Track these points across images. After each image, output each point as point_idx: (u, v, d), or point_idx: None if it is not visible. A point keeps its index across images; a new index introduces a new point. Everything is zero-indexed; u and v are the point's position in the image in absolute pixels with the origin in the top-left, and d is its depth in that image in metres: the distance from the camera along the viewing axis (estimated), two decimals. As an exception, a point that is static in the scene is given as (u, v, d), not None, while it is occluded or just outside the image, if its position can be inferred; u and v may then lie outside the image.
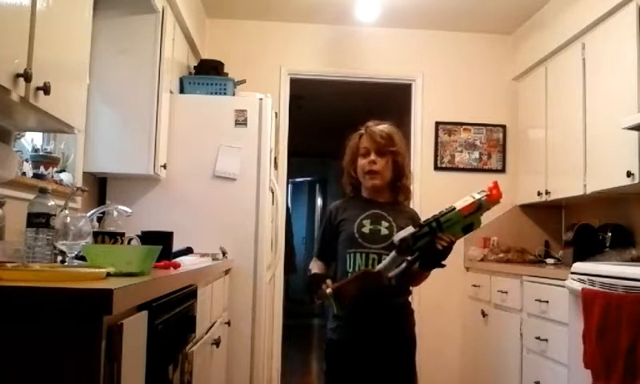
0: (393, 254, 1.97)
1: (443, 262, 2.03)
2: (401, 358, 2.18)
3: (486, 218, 4.89)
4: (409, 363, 2.21)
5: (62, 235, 1.80)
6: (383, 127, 2.25)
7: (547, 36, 4.08)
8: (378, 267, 2.01)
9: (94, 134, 3.09)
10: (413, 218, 2.22)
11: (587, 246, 3.64)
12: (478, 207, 1.97)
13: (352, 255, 2.15)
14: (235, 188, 3.49)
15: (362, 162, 2.22)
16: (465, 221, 1.98)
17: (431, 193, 4.59)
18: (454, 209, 1.96)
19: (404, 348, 2.20)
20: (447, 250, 1.97)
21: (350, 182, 2.30)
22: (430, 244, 1.95)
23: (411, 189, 2.31)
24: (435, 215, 1.97)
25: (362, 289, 1.98)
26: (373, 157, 2.19)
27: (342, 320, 2.16)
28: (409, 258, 1.96)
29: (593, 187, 3.45)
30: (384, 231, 2.16)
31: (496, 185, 1.99)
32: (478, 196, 1.98)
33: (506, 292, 3.79)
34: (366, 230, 2.16)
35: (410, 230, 1.95)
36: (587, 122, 3.55)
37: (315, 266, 2.27)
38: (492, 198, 1.98)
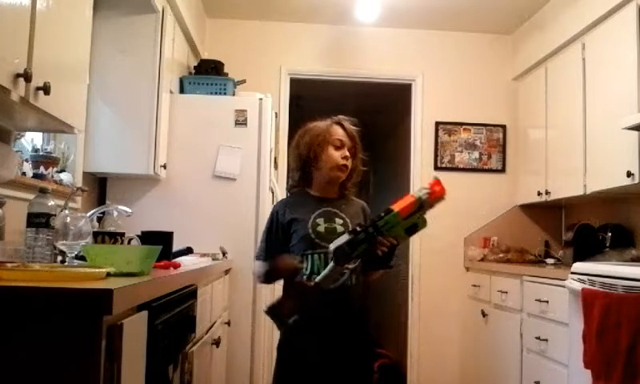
0: (331, 264, 1.90)
1: (390, 264, 2.02)
2: (359, 361, 2.13)
3: (487, 217, 4.92)
4: (367, 365, 2.18)
5: (62, 235, 1.80)
6: (354, 126, 2.21)
7: (547, 36, 4.08)
8: (317, 279, 1.93)
9: (94, 134, 3.09)
10: (364, 210, 2.20)
11: (587, 246, 3.64)
12: (419, 207, 1.88)
13: (309, 257, 2.06)
14: (235, 188, 3.48)
15: (335, 153, 2.13)
16: (406, 222, 1.89)
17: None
18: (392, 211, 1.88)
19: (363, 351, 2.16)
20: (389, 253, 1.93)
21: (301, 169, 2.18)
22: (370, 250, 1.89)
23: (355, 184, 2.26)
24: (373, 219, 1.92)
25: (300, 303, 1.94)
26: (347, 153, 2.14)
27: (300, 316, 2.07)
28: (349, 266, 1.92)
29: (593, 187, 3.45)
30: (339, 229, 2.09)
31: (437, 182, 1.91)
32: (418, 194, 1.89)
33: (506, 292, 3.79)
34: (321, 229, 2.08)
35: (344, 237, 1.88)
36: (587, 122, 3.55)
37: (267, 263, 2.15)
38: (434, 196, 1.88)
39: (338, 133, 2.16)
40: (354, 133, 2.19)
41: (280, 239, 2.14)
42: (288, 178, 2.31)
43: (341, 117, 2.21)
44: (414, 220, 1.90)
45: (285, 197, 2.26)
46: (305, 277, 2.04)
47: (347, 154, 2.14)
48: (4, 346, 1.15)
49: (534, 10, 4.25)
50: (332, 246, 1.89)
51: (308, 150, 2.15)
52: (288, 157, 2.23)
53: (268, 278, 2.24)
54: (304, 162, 2.18)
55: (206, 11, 4.47)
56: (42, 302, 1.16)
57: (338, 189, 2.21)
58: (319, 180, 2.19)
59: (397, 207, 1.88)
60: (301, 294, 1.96)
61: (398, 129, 5.80)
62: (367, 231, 1.88)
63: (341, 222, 2.11)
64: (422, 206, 1.88)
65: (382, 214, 1.89)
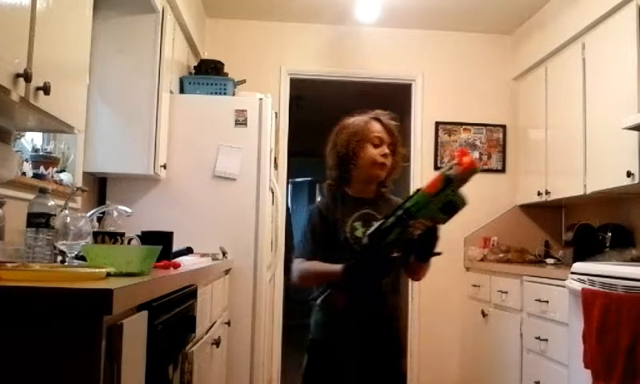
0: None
1: (436, 250, 1.87)
2: (388, 364, 2.07)
3: (487, 217, 4.92)
4: (397, 369, 2.12)
5: (62, 235, 1.80)
6: (392, 120, 2.11)
7: (547, 36, 4.08)
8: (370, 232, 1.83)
9: (94, 134, 3.09)
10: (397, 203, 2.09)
11: (587, 245, 3.64)
12: (447, 181, 1.73)
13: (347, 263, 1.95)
14: (235, 188, 3.48)
15: (373, 151, 2.03)
16: (437, 200, 1.74)
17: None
18: (418, 190, 1.77)
19: (392, 354, 2.10)
20: (430, 236, 1.81)
21: (339, 168, 2.08)
22: (405, 234, 1.77)
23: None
24: (401, 203, 1.81)
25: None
26: (387, 150, 2.04)
27: (330, 318, 2.02)
28: (393, 254, 1.83)
29: (593, 187, 3.45)
30: None
31: (463, 151, 1.75)
32: (444, 169, 1.76)
33: (506, 292, 3.79)
34: (359, 233, 1.99)
35: (375, 224, 1.81)
36: (587, 122, 3.55)
37: (314, 262, 2.01)
38: (463, 168, 1.72)
39: (376, 129, 2.06)
40: (392, 128, 2.08)
41: (323, 239, 2.03)
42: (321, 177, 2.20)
43: (378, 111, 2.11)
44: (448, 197, 1.74)
45: (321, 197, 2.15)
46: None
47: (386, 150, 2.05)
48: (4, 346, 1.15)
49: (534, 10, 4.25)
50: (367, 233, 1.83)
51: (346, 148, 2.05)
52: (325, 155, 2.14)
53: (311, 280, 2.10)
54: (342, 161, 2.06)
55: (206, 11, 4.47)
56: (42, 302, 1.16)
57: (377, 187, 2.12)
58: (358, 179, 2.09)
59: (424, 186, 1.78)
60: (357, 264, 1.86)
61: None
62: (396, 214, 1.78)
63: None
64: (451, 180, 1.73)
65: (410, 196, 1.79)
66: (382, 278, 1.94)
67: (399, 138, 2.11)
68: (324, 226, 2.03)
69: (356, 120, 2.10)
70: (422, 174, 4.60)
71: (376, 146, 2.05)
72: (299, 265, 2.05)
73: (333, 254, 1.99)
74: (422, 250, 1.88)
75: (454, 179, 1.73)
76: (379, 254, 1.83)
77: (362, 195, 2.09)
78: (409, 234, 1.78)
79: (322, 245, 2.02)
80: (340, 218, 2.03)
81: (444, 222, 1.80)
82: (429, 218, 1.77)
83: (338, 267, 1.91)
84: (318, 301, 2.01)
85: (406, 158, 2.16)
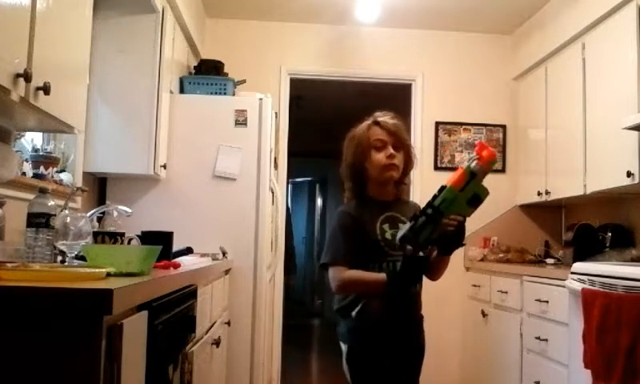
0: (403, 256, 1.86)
1: (463, 242, 1.92)
2: (417, 368, 2.13)
3: (487, 217, 4.91)
4: (419, 373, 2.17)
5: (62, 235, 1.80)
6: (393, 118, 2.12)
7: (547, 36, 4.08)
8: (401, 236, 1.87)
9: (94, 134, 3.09)
10: (417, 209, 2.08)
11: (587, 245, 3.64)
12: (471, 175, 1.80)
13: (379, 266, 1.98)
14: (235, 188, 3.48)
15: (378, 155, 2.05)
16: (464, 194, 1.81)
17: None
18: (445, 187, 1.82)
19: (420, 358, 2.15)
20: (460, 230, 1.85)
21: (353, 178, 2.11)
22: (438, 231, 1.82)
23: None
24: (429, 201, 1.85)
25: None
26: (391, 150, 2.05)
27: (367, 325, 2.02)
28: (423, 253, 1.86)
29: (593, 187, 3.45)
30: None
31: (482, 145, 1.80)
32: (467, 163, 1.82)
33: (506, 292, 3.79)
34: (388, 235, 2.01)
35: (406, 226, 1.84)
36: (587, 122, 3.55)
37: (359, 272, 2.00)
38: (485, 160, 1.79)
39: (376, 133, 2.08)
40: (393, 127, 2.09)
41: (356, 240, 2.02)
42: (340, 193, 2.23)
43: (377, 114, 2.13)
44: (473, 190, 1.81)
45: (345, 204, 2.16)
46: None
47: (391, 151, 2.05)
48: (4, 345, 1.15)
49: (534, 10, 4.25)
50: (397, 238, 1.86)
51: (354, 160, 2.09)
52: (341, 175, 2.19)
53: (353, 289, 2.05)
54: (355, 172, 2.11)
55: (206, 11, 4.47)
56: (42, 302, 1.16)
57: (393, 190, 2.14)
58: (374, 184, 2.11)
59: (449, 182, 1.83)
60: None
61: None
62: (426, 213, 1.82)
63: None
64: (474, 173, 1.80)
65: (437, 193, 1.84)
66: (420, 281, 1.98)
67: (402, 134, 2.12)
68: (355, 228, 2.04)
69: (358, 129, 2.13)
70: (422, 174, 4.60)
71: (379, 150, 2.06)
72: (340, 273, 2.02)
73: (365, 256, 2.00)
74: (449, 243, 1.91)
75: (477, 173, 1.80)
76: (420, 257, 1.87)
77: (382, 198, 2.11)
78: (441, 230, 1.83)
79: (356, 246, 2.01)
80: (368, 219, 2.04)
81: (470, 214, 1.86)
82: (457, 212, 1.83)
83: (381, 276, 1.94)
84: (353, 313, 2.01)
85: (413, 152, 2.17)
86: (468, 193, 1.82)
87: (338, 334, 2.11)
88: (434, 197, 1.84)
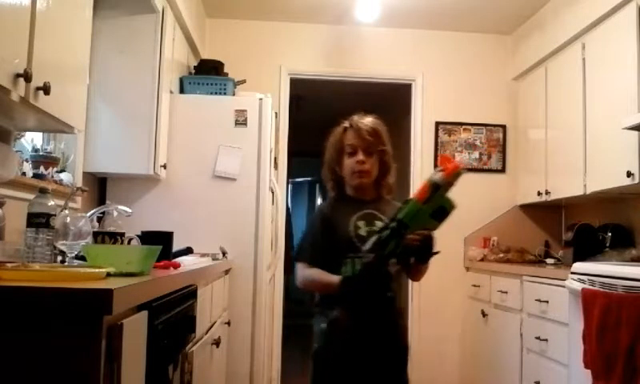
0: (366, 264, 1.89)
1: (435, 250, 1.93)
2: (395, 367, 2.08)
3: (487, 217, 4.91)
4: (402, 373, 2.13)
5: (62, 235, 1.80)
6: (369, 122, 2.11)
7: (547, 36, 4.08)
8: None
9: (94, 134, 3.09)
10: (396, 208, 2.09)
11: (587, 245, 3.64)
12: (435, 188, 1.79)
13: (351, 261, 1.99)
14: (235, 188, 3.48)
15: (348, 161, 2.08)
16: (428, 207, 1.80)
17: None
18: (409, 200, 1.83)
19: (398, 357, 2.11)
20: (427, 242, 1.87)
21: (332, 179, 2.16)
22: (402, 245, 1.83)
23: (393, 184, 2.19)
24: (395, 214, 1.86)
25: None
26: (361, 156, 2.06)
27: (334, 324, 2.02)
28: (391, 268, 1.90)
29: (593, 187, 3.45)
30: None
31: (445, 158, 1.82)
32: (430, 176, 1.82)
33: (506, 292, 3.79)
34: (362, 232, 2.01)
35: (373, 238, 1.87)
36: (587, 122, 3.55)
37: (317, 271, 2.04)
38: (449, 172, 1.78)
39: (349, 138, 2.09)
40: (366, 132, 2.08)
41: (325, 241, 2.05)
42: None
43: (354, 118, 2.13)
44: (438, 203, 1.81)
45: (325, 200, 2.21)
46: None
47: (361, 157, 2.06)
48: (4, 346, 1.15)
49: (534, 10, 4.25)
50: (365, 248, 1.90)
51: (330, 163, 2.15)
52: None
53: (313, 288, 2.12)
54: (332, 173, 2.15)
55: (206, 11, 4.47)
56: (42, 302, 1.16)
57: (374, 189, 2.14)
58: (349, 187, 2.15)
59: (414, 195, 1.84)
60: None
61: (398, 129, 5.79)
62: (390, 226, 1.83)
63: (381, 224, 2.00)
64: (438, 186, 1.79)
65: (402, 206, 1.85)
66: (380, 291, 1.97)
67: (376, 139, 2.10)
68: (327, 228, 2.07)
69: (335, 132, 2.17)
70: (422, 174, 4.60)
71: (351, 155, 2.09)
72: (303, 271, 2.08)
73: (337, 253, 2.01)
74: (422, 254, 1.93)
75: (441, 185, 1.79)
76: (378, 269, 1.89)
77: (361, 197, 2.12)
78: (405, 244, 1.84)
79: (325, 247, 2.04)
80: (343, 217, 2.06)
81: (436, 227, 1.87)
82: (421, 225, 1.83)
83: (335, 279, 1.95)
84: (325, 316, 2.03)
85: (395, 156, 2.18)
86: (432, 205, 1.82)
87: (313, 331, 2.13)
88: (399, 209, 1.85)
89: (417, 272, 2.08)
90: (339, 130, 2.15)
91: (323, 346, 2.06)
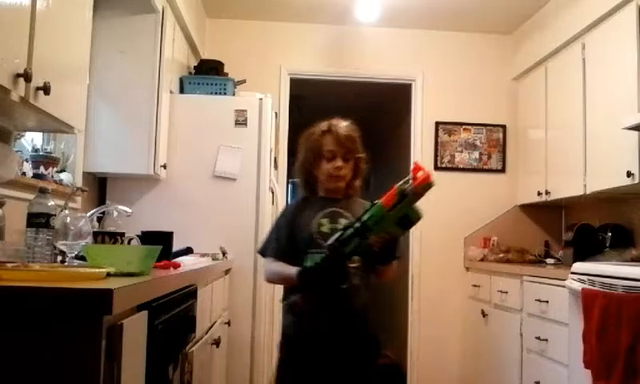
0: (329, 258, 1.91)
1: (394, 257, 1.99)
2: (361, 361, 2.11)
3: (487, 217, 4.91)
4: (367, 363, 2.14)
5: (62, 235, 1.80)
6: (347, 128, 2.17)
7: (547, 36, 4.08)
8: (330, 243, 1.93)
9: (94, 134, 3.09)
10: (364, 207, 2.11)
11: (587, 245, 3.64)
12: (401, 196, 1.77)
13: (311, 256, 2.03)
14: (235, 188, 3.48)
15: (327, 165, 2.13)
16: (393, 214, 1.79)
17: (431, 193, 4.59)
18: (375, 204, 1.82)
19: (365, 350, 2.13)
20: (389, 247, 1.90)
21: (305, 178, 2.20)
22: (364, 245, 1.85)
23: (361, 186, 2.25)
24: (360, 215, 1.87)
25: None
26: (340, 163, 2.12)
27: (299, 316, 2.08)
28: (353, 264, 1.92)
29: (593, 187, 3.45)
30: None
31: (417, 167, 1.77)
32: (399, 184, 1.79)
33: (506, 292, 3.79)
34: (325, 229, 2.06)
35: (336, 234, 1.88)
36: (587, 122, 3.55)
37: (279, 264, 2.11)
38: (418, 182, 1.75)
39: (328, 142, 2.14)
40: (345, 139, 2.14)
41: (288, 237, 2.12)
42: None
43: (332, 122, 2.18)
44: (403, 211, 1.79)
45: (295, 199, 2.26)
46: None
47: (339, 163, 2.12)
48: (4, 346, 1.15)
49: (534, 10, 4.25)
50: (326, 243, 1.91)
51: (305, 164, 2.19)
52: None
53: (276, 281, 2.26)
54: (306, 173, 2.20)
55: (206, 11, 4.47)
56: (42, 302, 1.15)
57: (345, 190, 2.19)
58: (322, 187, 2.19)
59: (380, 199, 1.83)
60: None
61: (398, 129, 5.80)
62: (354, 226, 1.85)
63: (345, 222, 2.05)
64: (405, 195, 1.77)
65: (367, 208, 1.87)
66: (338, 286, 1.98)
67: (353, 146, 2.16)
68: (291, 224, 2.13)
69: (311, 135, 2.20)
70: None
71: (329, 160, 2.13)
72: (267, 265, 2.17)
73: (299, 249, 2.07)
74: (381, 257, 1.98)
75: (408, 194, 1.77)
76: (335, 264, 1.91)
77: (330, 196, 2.18)
78: (366, 245, 1.85)
79: (288, 242, 2.11)
80: (308, 214, 2.12)
81: (400, 234, 1.88)
82: (385, 231, 1.83)
83: (294, 270, 2.01)
84: (288, 309, 2.11)
85: (368, 161, 2.23)
86: (397, 213, 1.80)
87: None
88: (365, 211, 1.86)
89: (380, 273, 2.12)
90: (317, 132, 2.19)
91: (285, 335, 2.14)
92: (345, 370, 2.06)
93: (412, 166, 1.80)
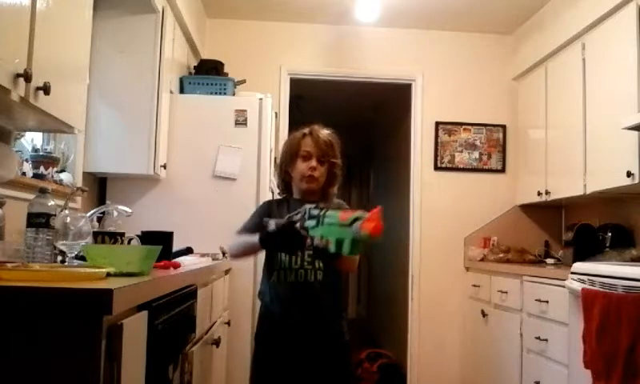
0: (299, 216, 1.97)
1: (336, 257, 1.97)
2: (329, 361, 2.15)
3: (487, 217, 4.90)
4: (341, 367, 2.19)
5: (62, 235, 1.80)
6: (327, 134, 2.24)
7: (547, 36, 4.08)
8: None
9: (94, 134, 3.09)
10: (340, 208, 2.12)
11: (587, 245, 3.64)
12: (352, 222, 1.76)
13: (279, 254, 2.15)
14: (235, 188, 3.49)
15: (302, 165, 2.19)
16: (341, 231, 1.79)
17: (431, 193, 4.60)
18: (339, 210, 1.87)
19: (331, 352, 2.17)
20: (324, 251, 1.89)
21: (282, 180, 2.29)
22: (319, 231, 1.88)
23: (335, 194, 2.31)
24: (329, 206, 1.95)
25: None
26: (314, 163, 2.18)
27: (277, 299, 2.21)
28: (310, 242, 1.94)
29: (593, 187, 3.45)
30: None
31: (375, 216, 1.73)
32: (358, 214, 1.78)
33: (506, 292, 3.79)
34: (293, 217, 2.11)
35: (301, 211, 1.95)
36: (587, 122, 3.55)
37: (242, 236, 2.21)
38: (363, 227, 1.73)
39: (307, 143, 2.21)
40: (323, 142, 2.20)
41: (257, 224, 2.20)
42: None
43: (314, 126, 2.25)
44: (344, 236, 1.78)
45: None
46: (275, 272, 2.18)
47: (314, 164, 2.18)
48: (4, 345, 1.15)
49: (533, 10, 4.25)
50: (290, 215, 2.00)
51: (282, 163, 2.27)
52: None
53: (239, 253, 2.35)
54: (283, 173, 2.28)
55: (206, 11, 4.47)
56: (42, 302, 1.15)
57: (320, 194, 2.24)
58: (297, 189, 2.26)
59: (342, 212, 1.85)
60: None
61: (397, 129, 5.80)
62: (319, 209, 1.89)
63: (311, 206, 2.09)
64: (354, 222, 1.76)
65: (335, 207, 1.94)
66: (294, 250, 2.08)
67: (331, 150, 2.23)
68: (263, 215, 2.22)
69: (293, 137, 2.28)
70: (421, 174, 4.62)
71: (305, 160, 2.20)
72: (232, 241, 2.29)
73: None
74: (325, 255, 1.99)
75: (355, 226, 1.76)
76: (292, 230, 1.97)
77: (307, 198, 2.21)
78: (310, 235, 1.91)
79: (256, 228, 2.17)
80: (281, 210, 2.20)
81: (330, 257, 1.93)
82: (329, 236, 1.85)
83: (256, 237, 2.09)
84: (261, 301, 2.26)
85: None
86: (344, 233, 1.79)
87: None
88: (333, 207, 1.92)
89: (337, 262, 2.11)
90: (298, 135, 2.26)
91: (257, 328, 2.29)
92: (311, 368, 2.13)
93: (375, 210, 1.76)
